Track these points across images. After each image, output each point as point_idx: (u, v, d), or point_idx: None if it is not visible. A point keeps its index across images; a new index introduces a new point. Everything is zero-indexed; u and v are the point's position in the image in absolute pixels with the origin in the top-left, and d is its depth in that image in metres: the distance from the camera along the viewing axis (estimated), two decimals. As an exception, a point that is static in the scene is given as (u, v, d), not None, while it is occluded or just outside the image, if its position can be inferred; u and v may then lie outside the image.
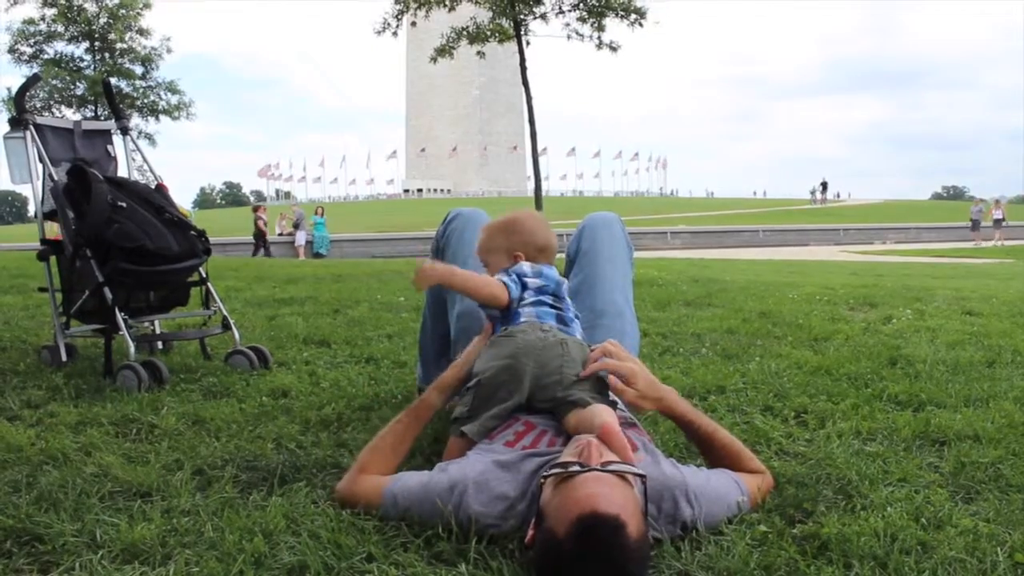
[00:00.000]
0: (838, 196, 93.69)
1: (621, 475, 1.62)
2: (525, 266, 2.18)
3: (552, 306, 2.16)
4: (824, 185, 60.87)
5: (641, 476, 1.66)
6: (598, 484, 1.56)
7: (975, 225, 30.17)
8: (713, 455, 2.07)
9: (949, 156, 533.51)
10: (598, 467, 1.60)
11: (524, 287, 2.15)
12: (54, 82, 28.24)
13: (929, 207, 62.55)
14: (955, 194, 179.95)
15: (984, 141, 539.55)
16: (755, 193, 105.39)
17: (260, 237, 24.47)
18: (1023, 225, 34.11)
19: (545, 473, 1.67)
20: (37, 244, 3.79)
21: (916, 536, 1.76)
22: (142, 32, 29.96)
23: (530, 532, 1.63)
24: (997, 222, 29.30)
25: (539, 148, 22.60)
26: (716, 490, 1.87)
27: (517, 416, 2.00)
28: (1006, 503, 1.98)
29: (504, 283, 2.12)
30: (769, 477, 2.06)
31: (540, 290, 2.16)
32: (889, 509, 1.91)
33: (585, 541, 1.47)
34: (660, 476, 1.81)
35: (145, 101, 30.06)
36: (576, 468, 1.61)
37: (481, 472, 1.81)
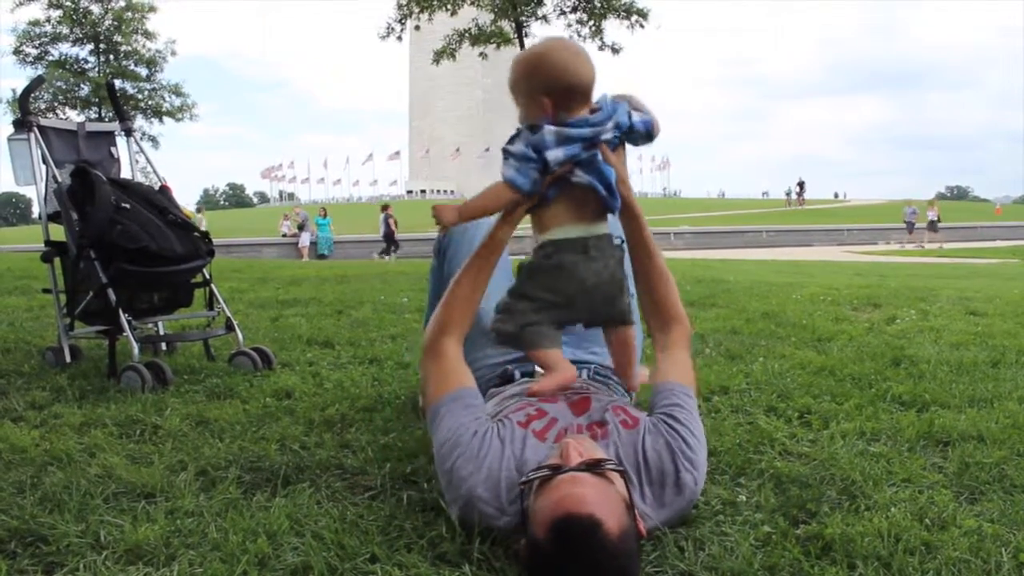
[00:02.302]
0: (836, 196, 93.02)
1: (600, 473, 1.62)
2: (548, 133, 1.90)
3: (590, 164, 1.94)
4: (801, 185, 56.17)
5: (621, 471, 1.67)
6: (572, 485, 1.56)
7: (909, 227, 29.14)
8: (644, 274, 2.14)
9: (952, 157, 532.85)
10: (574, 467, 1.61)
11: (545, 163, 1.90)
12: (58, 84, 28.30)
13: (933, 207, 62.29)
14: (959, 194, 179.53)
15: (987, 141, 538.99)
16: (764, 194, 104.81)
17: (390, 237, 24.21)
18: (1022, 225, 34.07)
19: (524, 479, 1.68)
20: (41, 245, 3.80)
21: (920, 537, 1.76)
22: (147, 35, 30.05)
23: (522, 540, 1.63)
24: (932, 224, 28.32)
25: (542, 149, 22.54)
26: (696, 443, 1.92)
27: (531, 401, 2.01)
28: (1010, 504, 1.98)
29: (508, 180, 1.92)
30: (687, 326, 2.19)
31: (569, 153, 1.91)
32: (893, 510, 1.91)
33: (563, 544, 1.48)
34: (660, 453, 1.86)
35: (149, 103, 30.13)
36: (551, 471, 1.62)
37: (497, 464, 1.82)
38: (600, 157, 1.92)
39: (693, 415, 1.98)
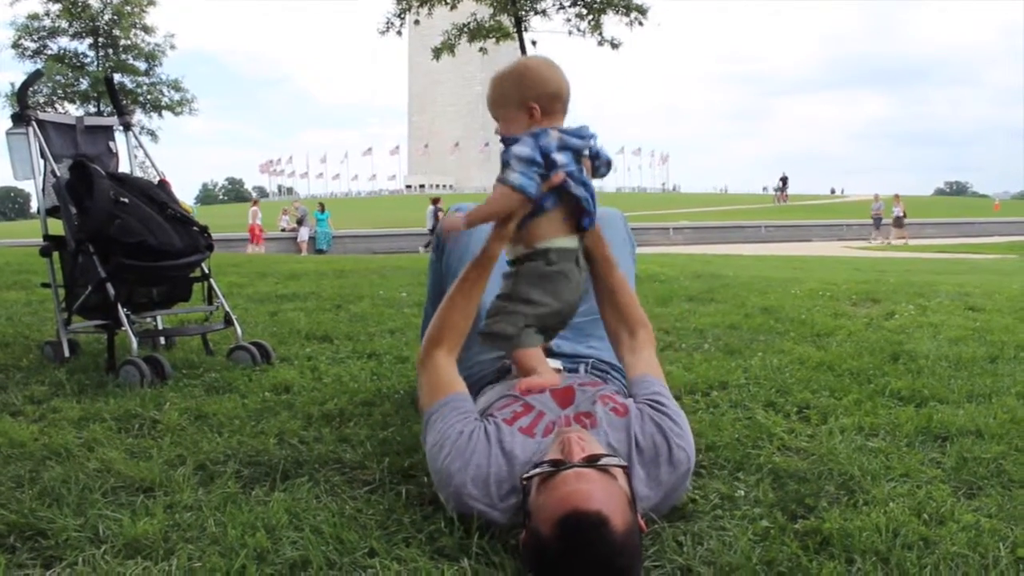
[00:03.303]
0: (832, 192, 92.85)
1: (603, 469, 1.62)
2: (553, 138, 2.00)
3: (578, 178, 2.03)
4: (784, 181, 53.06)
5: (624, 467, 1.68)
6: (579, 480, 1.57)
7: (876, 223, 28.20)
8: (607, 285, 2.22)
9: (952, 152, 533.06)
10: (578, 463, 1.61)
11: (553, 164, 1.98)
12: (57, 78, 28.22)
13: (932, 203, 62.25)
14: (958, 190, 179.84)
15: (987, 137, 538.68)
16: (764, 189, 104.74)
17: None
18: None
19: (527, 474, 1.68)
20: (40, 240, 3.79)
21: (918, 531, 1.76)
22: (146, 29, 29.99)
23: (522, 534, 1.63)
24: (897, 219, 27.54)
25: (541, 144, 22.55)
26: (683, 422, 1.97)
27: (517, 396, 2.02)
28: (1008, 498, 1.98)
29: (517, 187, 1.96)
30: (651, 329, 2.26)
31: (566, 160, 2.01)
32: (891, 504, 1.91)
33: (569, 540, 1.48)
34: (653, 434, 1.89)
35: (148, 97, 30.07)
36: (554, 467, 1.63)
37: (484, 461, 1.83)
38: (585, 173, 2.05)
39: (672, 402, 2.04)
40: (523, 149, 1.98)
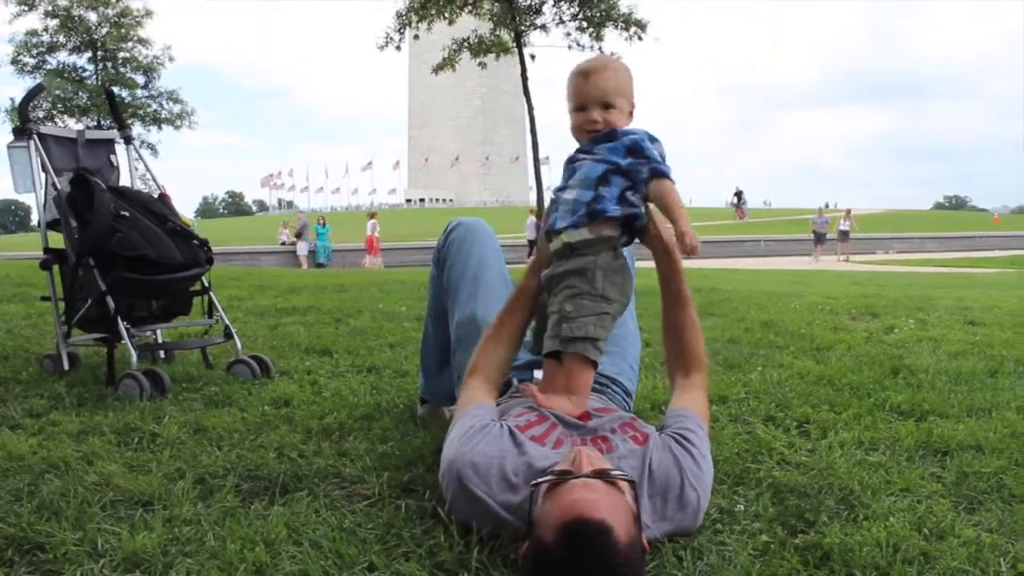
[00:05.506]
0: (826, 205, 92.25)
1: (611, 481, 1.63)
2: (660, 151, 2.05)
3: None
4: (739, 195, 48.15)
5: (631, 481, 1.68)
6: (584, 490, 1.57)
7: (819, 238, 26.59)
8: (677, 322, 2.23)
9: (951, 166, 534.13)
10: (585, 474, 1.62)
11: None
12: (57, 92, 28.28)
13: (931, 217, 62.33)
14: (957, 204, 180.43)
15: (986, 151, 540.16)
16: (766, 203, 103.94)
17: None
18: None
19: (535, 481, 1.69)
20: (40, 253, 3.80)
21: (918, 546, 1.76)
22: (142, 41, 30.06)
23: (524, 545, 1.63)
24: (843, 234, 26.57)
25: (541, 157, 22.71)
26: (706, 465, 1.93)
27: (533, 407, 2.02)
28: (1009, 513, 1.98)
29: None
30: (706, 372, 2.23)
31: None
32: (891, 519, 1.91)
33: (572, 547, 1.48)
34: (668, 467, 1.86)
35: (147, 110, 30.14)
36: (563, 476, 1.63)
37: (495, 452, 1.84)
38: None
39: (704, 443, 1.99)
40: (661, 148, 2.05)
